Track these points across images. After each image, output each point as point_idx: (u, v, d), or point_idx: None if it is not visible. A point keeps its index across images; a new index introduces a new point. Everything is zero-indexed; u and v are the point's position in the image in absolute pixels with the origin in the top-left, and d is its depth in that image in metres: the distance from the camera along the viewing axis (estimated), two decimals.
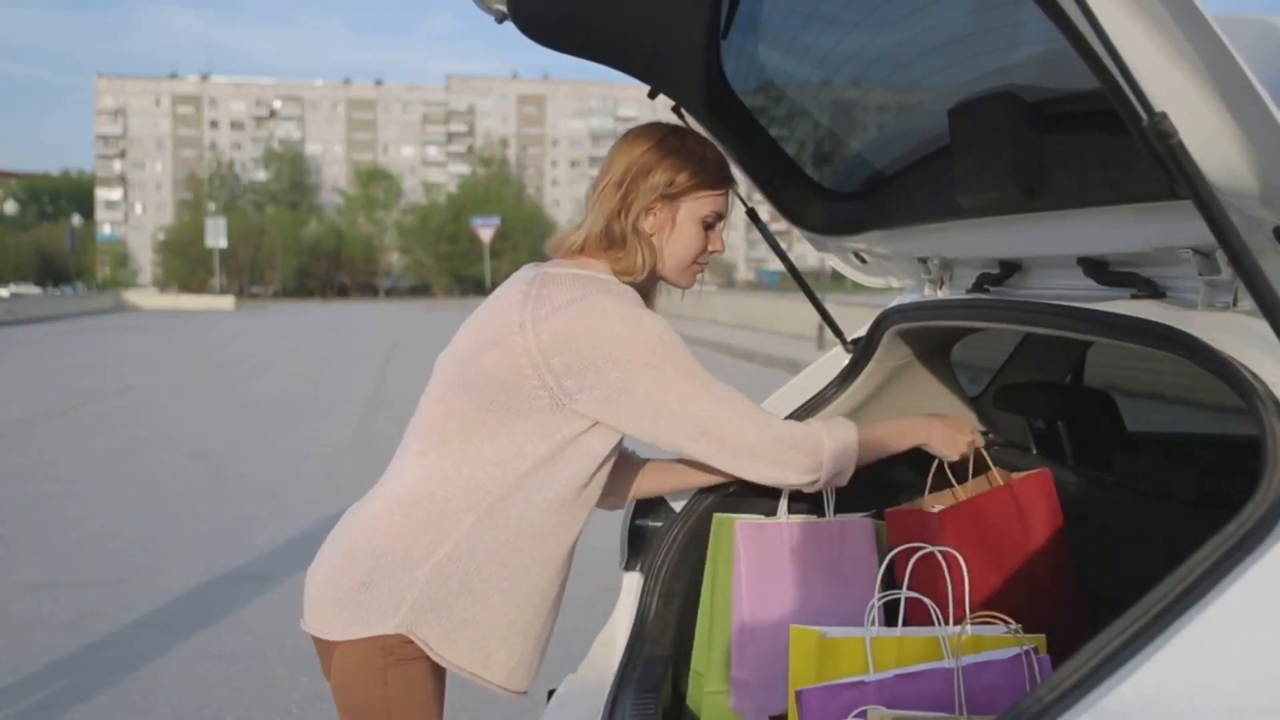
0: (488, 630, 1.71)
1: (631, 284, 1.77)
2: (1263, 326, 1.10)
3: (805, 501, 2.07)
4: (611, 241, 1.76)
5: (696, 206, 1.78)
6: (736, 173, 2.29)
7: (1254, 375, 1.21)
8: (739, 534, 1.99)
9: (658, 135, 1.80)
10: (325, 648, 1.74)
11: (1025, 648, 1.61)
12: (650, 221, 1.77)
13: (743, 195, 2.36)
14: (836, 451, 1.80)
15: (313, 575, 1.78)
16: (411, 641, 1.67)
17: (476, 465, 1.69)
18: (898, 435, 1.94)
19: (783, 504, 2.05)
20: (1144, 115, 1.01)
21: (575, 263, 1.77)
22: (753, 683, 1.95)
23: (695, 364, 1.72)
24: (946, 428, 1.97)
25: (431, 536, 1.68)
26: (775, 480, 1.81)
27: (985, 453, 2.01)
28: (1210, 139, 1.07)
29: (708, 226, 1.80)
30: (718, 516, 2.07)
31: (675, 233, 1.78)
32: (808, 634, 1.69)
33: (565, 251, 1.80)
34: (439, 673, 1.74)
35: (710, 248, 1.82)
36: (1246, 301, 1.32)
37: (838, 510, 2.04)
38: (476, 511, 1.68)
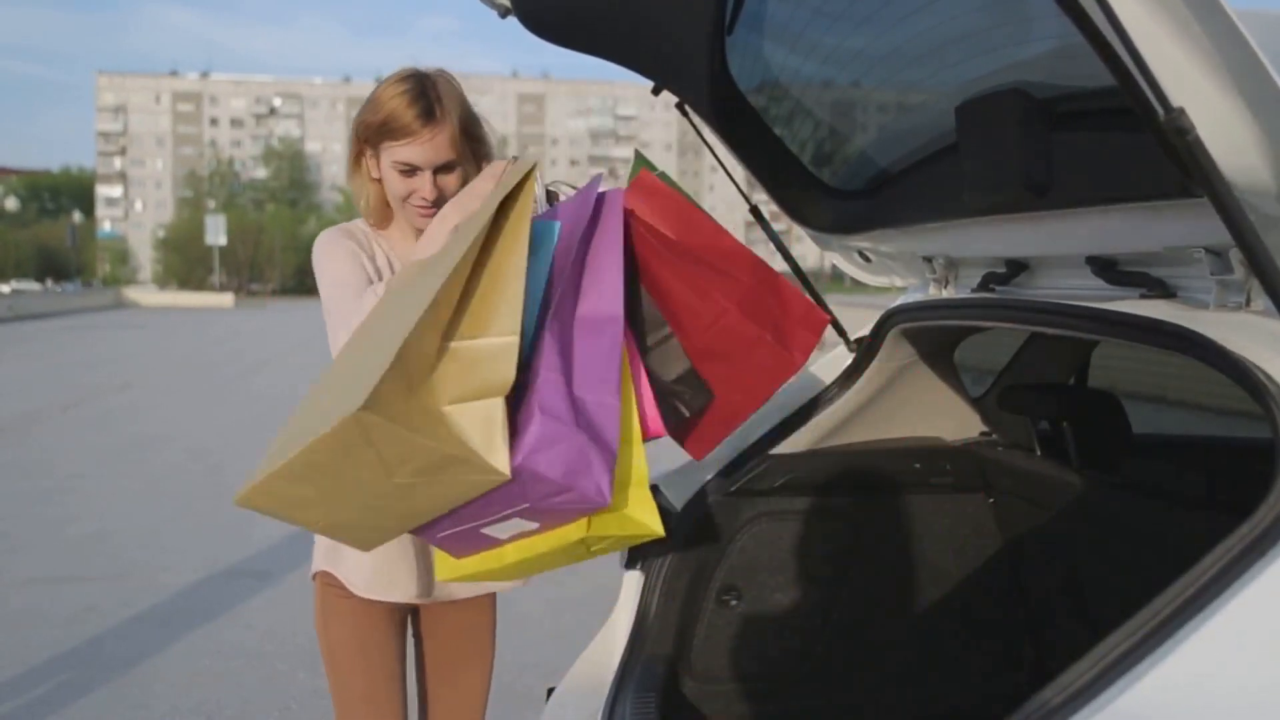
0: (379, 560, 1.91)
1: (379, 223, 1.94)
2: (1277, 326, 1.09)
3: None
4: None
5: (389, 154, 1.84)
6: (741, 171, 2.28)
7: (1267, 376, 1.19)
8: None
9: (387, 81, 1.86)
10: None
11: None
12: (373, 166, 1.89)
13: (746, 193, 2.35)
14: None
15: None
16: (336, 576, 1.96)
17: None
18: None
19: None
20: (1160, 111, 1.00)
21: None
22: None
23: (344, 268, 1.84)
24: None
25: None
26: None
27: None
28: (1228, 135, 1.05)
29: (405, 172, 1.84)
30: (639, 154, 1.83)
31: (385, 176, 1.87)
32: None
33: None
34: (382, 610, 1.98)
35: (420, 193, 1.84)
36: (1259, 301, 1.30)
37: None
38: None
